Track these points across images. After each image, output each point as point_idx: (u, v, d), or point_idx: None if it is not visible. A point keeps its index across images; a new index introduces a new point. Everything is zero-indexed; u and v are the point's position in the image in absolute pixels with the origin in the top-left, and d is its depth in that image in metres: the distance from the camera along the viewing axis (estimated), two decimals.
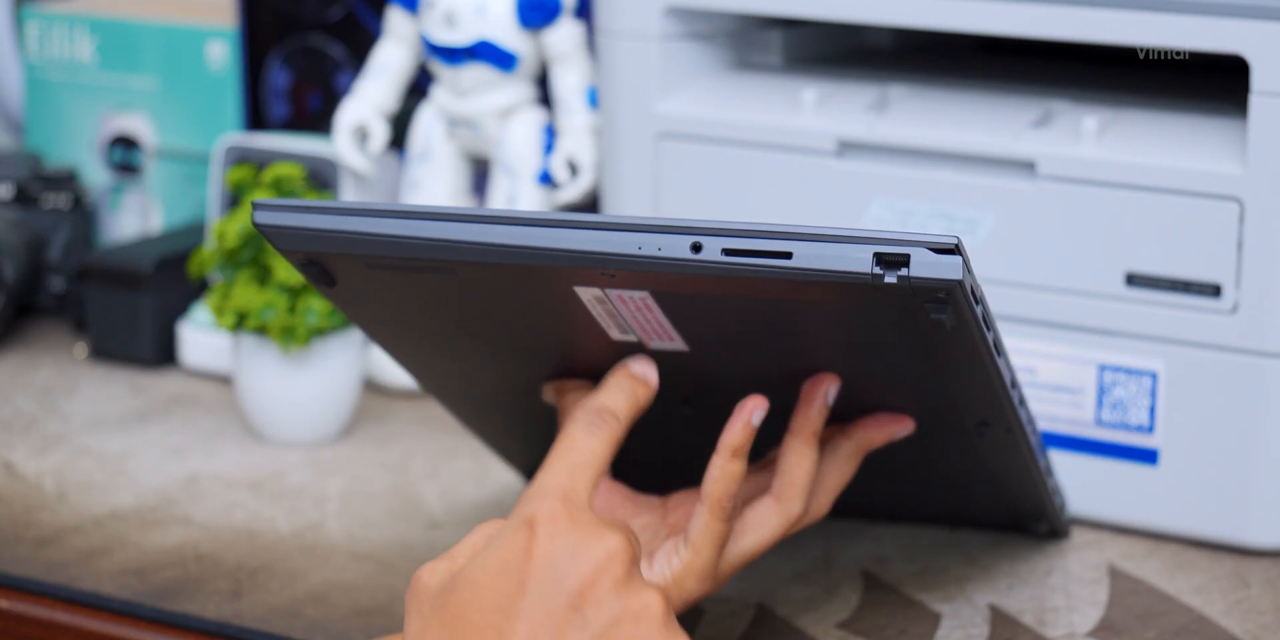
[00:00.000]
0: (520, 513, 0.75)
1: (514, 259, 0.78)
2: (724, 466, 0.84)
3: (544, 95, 1.22)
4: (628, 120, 1.09)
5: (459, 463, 1.13)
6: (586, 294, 0.81)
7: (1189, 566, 0.99)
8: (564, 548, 0.74)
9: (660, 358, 0.85)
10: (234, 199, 1.24)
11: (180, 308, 1.27)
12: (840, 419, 0.89)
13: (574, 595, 0.73)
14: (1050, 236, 1.00)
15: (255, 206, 0.81)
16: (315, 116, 1.34)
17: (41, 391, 1.24)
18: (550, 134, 1.20)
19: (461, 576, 0.75)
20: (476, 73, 1.19)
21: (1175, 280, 0.98)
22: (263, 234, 0.81)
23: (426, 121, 1.22)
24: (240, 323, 1.13)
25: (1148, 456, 1.01)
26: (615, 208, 1.10)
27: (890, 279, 0.75)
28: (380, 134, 1.22)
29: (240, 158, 1.24)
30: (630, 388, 0.83)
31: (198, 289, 1.28)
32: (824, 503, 0.89)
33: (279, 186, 1.14)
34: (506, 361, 0.89)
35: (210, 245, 1.17)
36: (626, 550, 0.75)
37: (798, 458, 0.87)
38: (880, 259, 0.75)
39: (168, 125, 1.36)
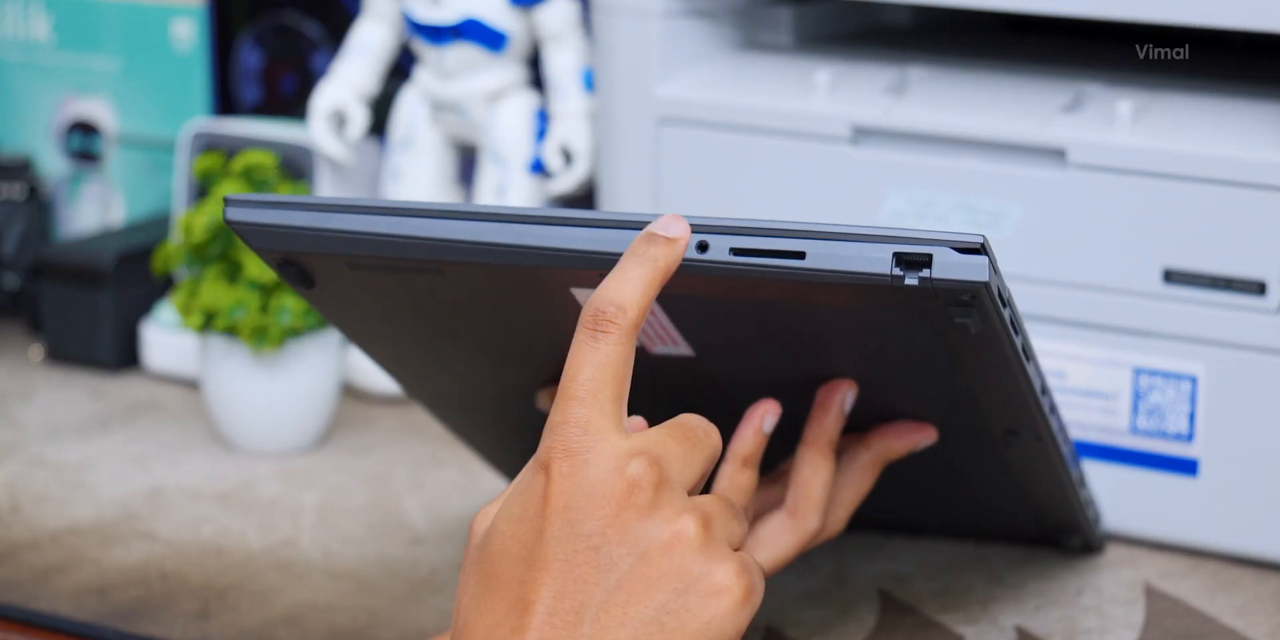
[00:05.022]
0: (538, 453, 0.73)
1: (506, 259, 0.78)
2: (734, 477, 0.84)
3: (536, 77, 1.22)
4: (626, 104, 1.08)
5: (444, 473, 1.13)
6: (584, 296, 0.80)
7: (1231, 586, 0.99)
8: (579, 487, 0.72)
9: (664, 364, 0.85)
10: (201, 189, 1.24)
11: (143, 307, 1.28)
12: (857, 428, 0.89)
13: (594, 537, 0.71)
14: (1082, 230, 1.00)
15: (228, 203, 0.81)
16: (289, 100, 1.35)
17: None
18: (542, 119, 1.20)
19: (491, 527, 0.74)
20: (463, 53, 1.18)
21: (1216, 277, 0.97)
22: (236, 232, 0.81)
23: (409, 106, 1.22)
24: (208, 323, 1.13)
25: (1187, 467, 1.00)
26: (612, 199, 1.10)
27: (911, 281, 0.74)
28: (359, 119, 1.21)
29: (208, 145, 1.25)
30: (643, 254, 0.74)
31: (162, 286, 1.28)
32: (841, 517, 0.89)
33: (250, 176, 1.14)
34: (498, 367, 0.89)
35: (176, 239, 1.17)
36: (649, 475, 0.72)
37: (812, 469, 0.86)
38: (900, 259, 0.74)
39: (130, 110, 1.35)
